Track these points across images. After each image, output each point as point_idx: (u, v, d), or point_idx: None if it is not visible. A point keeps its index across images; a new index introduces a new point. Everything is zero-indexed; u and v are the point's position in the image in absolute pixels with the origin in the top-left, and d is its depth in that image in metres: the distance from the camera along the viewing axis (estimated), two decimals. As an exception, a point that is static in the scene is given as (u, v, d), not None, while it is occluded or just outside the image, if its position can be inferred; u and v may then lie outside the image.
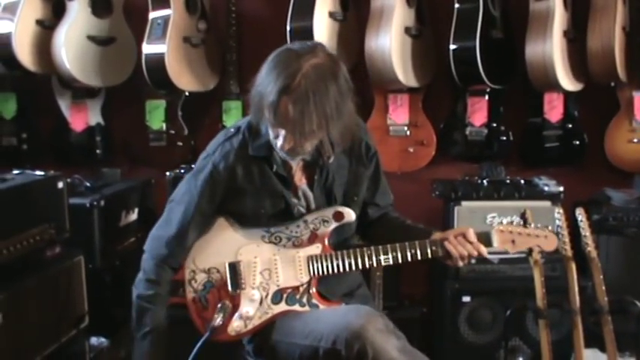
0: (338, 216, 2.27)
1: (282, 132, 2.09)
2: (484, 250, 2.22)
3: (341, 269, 2.24)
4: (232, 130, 2.30)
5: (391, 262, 2.24)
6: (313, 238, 2.27)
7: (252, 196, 2.25)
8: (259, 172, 2.24)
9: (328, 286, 2.31)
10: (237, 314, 2.25)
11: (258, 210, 2.25)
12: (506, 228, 2.27)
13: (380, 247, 2.24)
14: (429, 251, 2.23)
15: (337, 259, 2.24)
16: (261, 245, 2.27)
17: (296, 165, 2.29)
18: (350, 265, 2.24)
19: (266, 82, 2.04)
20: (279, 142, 2.12)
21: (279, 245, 2.27)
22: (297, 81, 1.99)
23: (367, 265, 2.25)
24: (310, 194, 2.30)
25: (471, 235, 2.21)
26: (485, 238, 2.25)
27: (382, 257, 2.23)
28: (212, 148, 2.29)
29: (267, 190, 2.25)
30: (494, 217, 3.31)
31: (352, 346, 2.02)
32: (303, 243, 2.27)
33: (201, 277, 2.31)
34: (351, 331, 2.04)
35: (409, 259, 2.23)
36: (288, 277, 2.26)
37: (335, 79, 2.05)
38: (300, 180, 2.31)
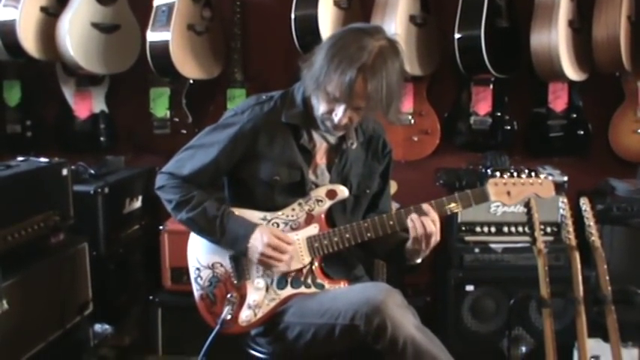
0: (331, 194, 2.27)
1: (342, 107, 2.11)
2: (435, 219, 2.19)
3: (340, 245, 2.25)
4: (264, 97, 2.31)
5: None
6: (310, 219, 2.27)
7: (270, 162, 2.25)
8: (283, 141, 2.26)
9: (334, 270, 2.32)
10: (245, 304, 2.27)
11: (273, 177, 2.25)
12: (499, 180, 2.29)
13: (376, 217, 2.24)
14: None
15: (336, 235, 2.25)
16: None
17: (320, 144, 2.31)
18: (349, 239, 2.24)
19: (335, 59, 2.07)
20: (337, 117, 2.13)
21: None
22: (372, 59, 2.05)
23: (366, 238, 2.24)
24: (327, 175, 2.32)
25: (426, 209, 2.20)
26: (480, 194, 2.27)
27: (379, 228, 2.23)
28: (242, 108, 2.30)
29: (286, 159, 2.26)
30: (498, 207, 3.31)
31: (372, 320, 2.03)
32: (301, 225, 2.28)
33: (206, 274, 2.33)
34: (371, 306, 2.04)
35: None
36: None
37: (398, 59, 2.12)
38: (321, 159, 2.33)
